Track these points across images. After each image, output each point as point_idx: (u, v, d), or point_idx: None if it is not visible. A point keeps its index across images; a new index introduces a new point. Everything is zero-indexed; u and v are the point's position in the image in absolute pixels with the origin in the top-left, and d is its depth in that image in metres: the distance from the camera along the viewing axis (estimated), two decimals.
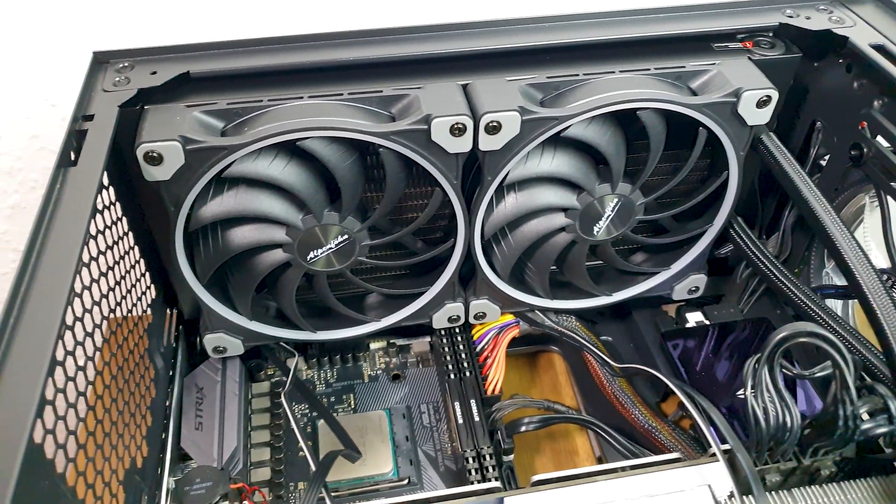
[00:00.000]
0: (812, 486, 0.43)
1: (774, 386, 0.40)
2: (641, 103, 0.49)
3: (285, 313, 0.57)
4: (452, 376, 0.59)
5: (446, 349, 0.62)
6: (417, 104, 0.48)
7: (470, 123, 0.47)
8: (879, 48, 0.52)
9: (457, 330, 0.63)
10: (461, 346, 0.62)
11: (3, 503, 0.29)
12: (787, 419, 0.41)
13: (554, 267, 0.60)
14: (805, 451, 0.44)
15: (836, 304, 0.64)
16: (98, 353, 0.45)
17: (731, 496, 0.43)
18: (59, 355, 0.36)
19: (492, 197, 0.53)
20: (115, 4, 0.64)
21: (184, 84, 0.49)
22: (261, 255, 0.52)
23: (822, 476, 0.45)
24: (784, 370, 0.41)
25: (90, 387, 0.43)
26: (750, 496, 0.42)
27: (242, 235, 0.51)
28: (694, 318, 0.67)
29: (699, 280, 0.63)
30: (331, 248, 0.53)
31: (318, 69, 0.50)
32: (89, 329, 0.43)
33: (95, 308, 0.44)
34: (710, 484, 0.43)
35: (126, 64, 0.50)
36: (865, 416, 0.41)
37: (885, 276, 0.56)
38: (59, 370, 0.37)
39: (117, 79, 0.49)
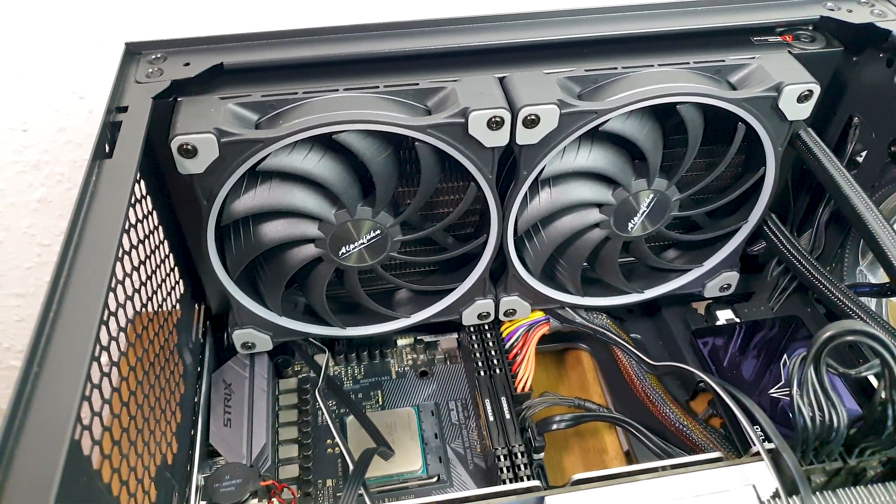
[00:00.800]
0: (857, 487, 0.42)
1: (821, 385, 0.40)
2: (682, 97, 0.48)
3: (315, 309, 0.57)
4: (482, 374, 0.59)
5: (475, 346, 0.61)
6: (454, 97, 0.47)
7: (508, 117, 0.46)
8: None
9: (486, 327, 0.62)
10: (490, 343, 0.61)
11: (47, 501, 0.29)
12: (834, 419, 0.40)
13: (584, 264, 0.59)
14: (851, 452, 0.43)
15: (869, 303, 0.64)
16: (131, 349, 0.44)
17: (775, 496, 0.42)
18: (96, 351, 0.36)
19: (526, 192, 0.52)
20: None
21: (217, 76, 0.49)
22: (293, 250, 0.52)
23: (867, 477, 0.44)
24: (830, 369, 0.40)
25: (123, 382, 0.42)
26: (795, 496, 0.41)
27: (275, 230, 0.50)
28: (724, 315, 0.66)
29: (731, 277, 0.63)
30: (363, 244, 0.52)
31: (354, 61, 0.50)
32: (123, 324, 0.43)
33: (128, 303, 0.44)
34: (754, 484, 0.42)
35: (158, 55, 0.49)
36: None
37: None
38: (94, 366, 0.36)
39: (150, 70, 0.48)
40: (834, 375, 0.41)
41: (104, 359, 0.38)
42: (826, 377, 0.40)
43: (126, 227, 0.44)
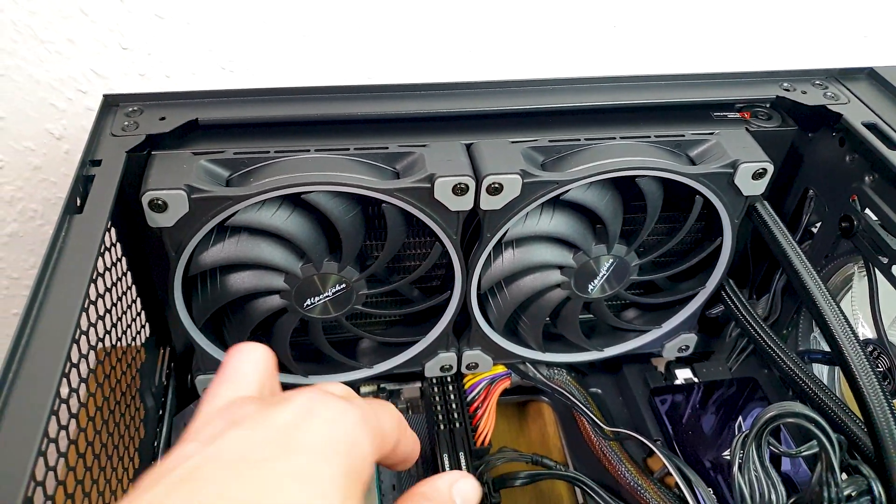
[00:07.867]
0: None
1: (762, 464, 0.41)
2: (640, 171, 0.50)
3: (278, 357, 0.57)
4: (442, 427, 0.59)
5: (437, 398, 0.62)
6: (422, 162, 0.49)
7: (472, 184, 0.48)
8: (871, 126, 0.54)
9: (448, 378, 0.63)
10: (452, 396, 0.62)
11: None
12: (773, 497, 0.41)
13: (547, 320, 0.61)
14: None
15: (822, 369, 0.65)
16: (91, 399, 0.45)
17: None
18: (56, 405, 0.36)
19: (490, 252, 0.54)
20: (129, 46, 0.64)
21: (192, 130, 0.50)
22: (258, 301, 0.53)
23: None
24: (771, 447, 0.42)
25: (82, 434, 0.43)
26: None
27: (241, 281, 0.51)
28: (683, 374, 0.68)
29: (690, 339, 0.64)
30: (328, 296, 0.53)
31: (326, 122, 0.51)
32: (84, 374, 0.43)
33: (91, 353, 0.44)
34: None
35: (135, 108, 0.50)
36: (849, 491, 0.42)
37: (870, 348, 0.57)
38: (53, 420, 0.37)
39: (126, 123, 0.49)
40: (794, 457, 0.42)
41: (63, 412, 0.39)
42: (767, 455, 0.41)
43: (94, 277, 0.45)
